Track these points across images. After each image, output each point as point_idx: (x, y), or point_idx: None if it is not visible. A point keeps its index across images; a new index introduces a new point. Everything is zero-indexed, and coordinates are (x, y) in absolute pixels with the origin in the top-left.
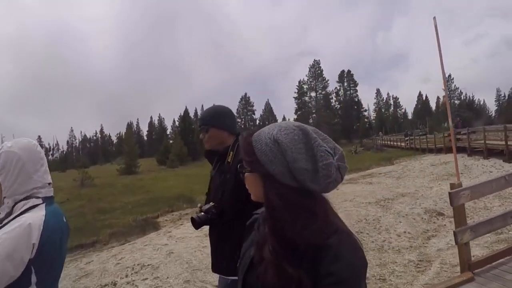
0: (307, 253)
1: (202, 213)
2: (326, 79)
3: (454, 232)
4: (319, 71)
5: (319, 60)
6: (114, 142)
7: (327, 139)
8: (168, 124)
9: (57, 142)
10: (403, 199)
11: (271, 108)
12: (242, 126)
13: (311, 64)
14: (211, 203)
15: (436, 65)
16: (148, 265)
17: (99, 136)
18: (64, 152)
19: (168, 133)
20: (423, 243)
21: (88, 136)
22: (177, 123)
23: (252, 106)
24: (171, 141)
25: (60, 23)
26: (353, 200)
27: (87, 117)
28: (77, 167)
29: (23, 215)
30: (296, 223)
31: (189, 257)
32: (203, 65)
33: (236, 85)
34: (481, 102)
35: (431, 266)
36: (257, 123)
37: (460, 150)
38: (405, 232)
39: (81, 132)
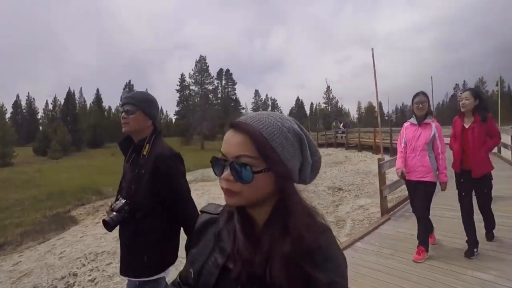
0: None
1: (115, 213)
2: (212, 75)
3: (380, 189)
4: (205, 67)
5: (205, 56)
6: None
7: None
8: (40, 107)
9: None
10: None
11: None
12: None
13: (198, 59)
14: (123, 201)
15: (310, 75)
16: (103, 252)
17: None
18: None
19: (39, 117)
20: (334, 210)
21: None
22: (50, 106)
23: None
24: (41, 127)
25: None
26: None
27: None
28: None
29: None
30: (307, 226)
31: None
32: (78, 44)
33: (116, 70)
34: (347, 110)
35: (346, 223)
36: None
37: (340, 145)
38: (318, 203)
39: None
